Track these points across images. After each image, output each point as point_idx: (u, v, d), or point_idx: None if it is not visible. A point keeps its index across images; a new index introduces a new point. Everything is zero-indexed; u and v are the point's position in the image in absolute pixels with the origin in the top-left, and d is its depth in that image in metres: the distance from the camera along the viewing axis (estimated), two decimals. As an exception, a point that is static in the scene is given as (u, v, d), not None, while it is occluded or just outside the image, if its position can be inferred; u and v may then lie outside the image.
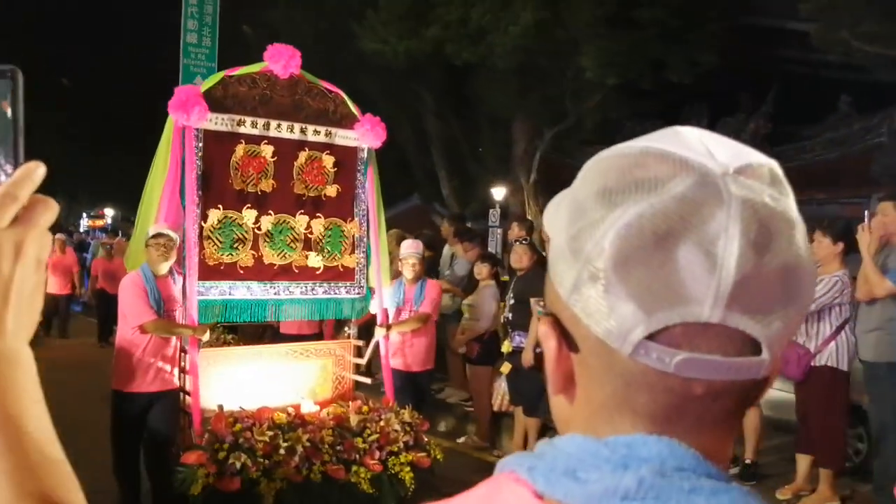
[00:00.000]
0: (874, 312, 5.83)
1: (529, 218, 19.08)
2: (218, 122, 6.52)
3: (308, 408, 6.49)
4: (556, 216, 0.84)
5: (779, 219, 0.74)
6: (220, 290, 6.55)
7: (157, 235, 6.18)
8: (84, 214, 41.22)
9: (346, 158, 7.04)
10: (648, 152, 0.77)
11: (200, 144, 6.45)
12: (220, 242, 6.57)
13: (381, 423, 6.40)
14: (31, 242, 0.82)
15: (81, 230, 37.33)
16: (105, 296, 14.65)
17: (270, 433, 5.98)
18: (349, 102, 7.03)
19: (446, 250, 11.54)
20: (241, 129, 6.62)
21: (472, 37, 18.81)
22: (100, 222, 39.42)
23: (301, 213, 6.87)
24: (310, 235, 6.90)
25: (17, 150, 0.84)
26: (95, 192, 35.85)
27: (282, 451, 5.89)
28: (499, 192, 20.68)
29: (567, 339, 0.81)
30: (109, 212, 39.20)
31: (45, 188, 0.86)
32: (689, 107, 21.41)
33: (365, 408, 6.52)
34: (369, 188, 7.16)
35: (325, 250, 6.98)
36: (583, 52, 18.82)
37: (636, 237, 0.72)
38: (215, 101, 6.43)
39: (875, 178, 18.93)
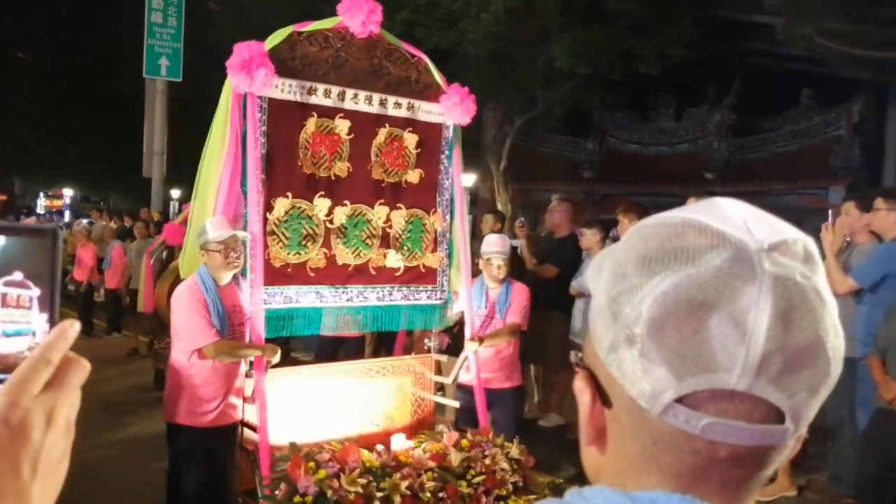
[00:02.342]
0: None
1: (499, 206, 17.79)
2: (285, 90, 4.80)
3: (400, 444, 4.85)
4: (599, 276, 0.80)
5: (808, 296, 0.72)
6: (285, 297, 4.86)
7: (229, 238, 4.49)
8: (41, 194, 37.80)
9: (429, 137, 5.38)
10: (689, 224, 0.75)
11: (264, 117, 4.74)
12: (287, 239, 4.87)
13: (487, 461, 4.80)
14: (62, 407, 0.73)
15: (39, 211, 34.12)
16: (75, 285, 13.25)
17: (363, 481, 4.35)
18: (434, 70, 5.37)
19: None
20: (313, 99, 4.91)
21: (443, 21, 17.48)
22: (58, 202, 36.16)
23: (380, 204, 5.20)
24: (388, 230, 5.24)
25: (54, 304, 0.78)
26: (53, 171, 32.89)
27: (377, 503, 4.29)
28: (469, 179, 19.19)
29: (601, 395, 0.79)
30: (68, 192, 35.97)
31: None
32: (656, 97, 20.29)
33: (465, 441, 4.90)
34: (454, 174, 5.50)
35: (406, 247, 5.32)
36: (554, 41, 17.73)
37: (672, 305, 0.71)
38: (281, 64, 4.72)
39: (833, 170, 18.24)
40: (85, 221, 18.28)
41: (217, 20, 21.15)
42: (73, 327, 0.74)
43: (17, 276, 0.78)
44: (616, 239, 6.91)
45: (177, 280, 8.48)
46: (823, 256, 5.47)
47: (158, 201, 17.78)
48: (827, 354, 0.73)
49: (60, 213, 33.79)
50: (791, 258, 0.73)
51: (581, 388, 0.81)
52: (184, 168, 24.14)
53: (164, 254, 9.11)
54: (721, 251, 0.72)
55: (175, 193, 24.39)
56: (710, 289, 0.70)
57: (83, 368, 0.74)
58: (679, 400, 0.71)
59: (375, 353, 7.83)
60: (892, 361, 4.60)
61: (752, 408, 0.71)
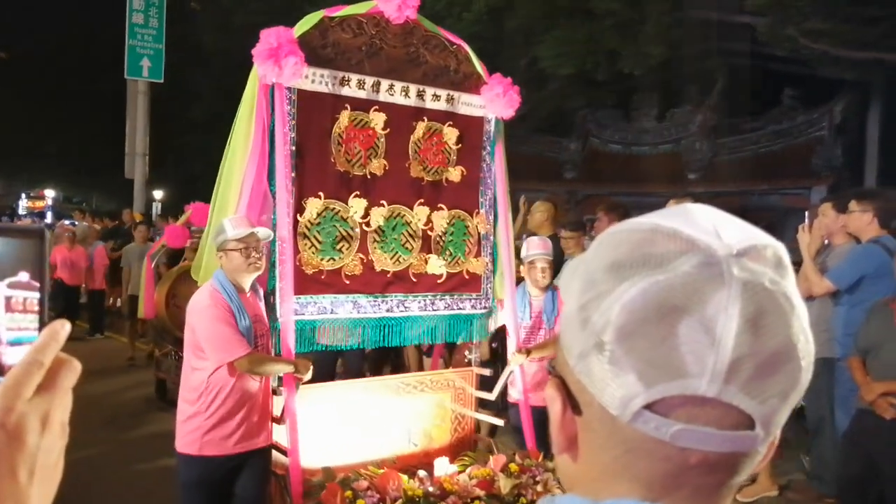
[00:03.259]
0: (812, 310, 4.91)
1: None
2: (316, 80, 4.23)
3: (444, 469, 4.28)
4: (571, 282, 0.77)
5: (778, 301, 0.69)
6: (319, 308, 4.28)
7: (248, 235, 3.81)
8: (23, 195, 36.28)
9: (470, 132, 4.81)
10: (658, 229, 0.73)
11: (294, 109, 4.15)
12: (320, 243, 4.29)
13: (538, 488, 4.25)
14: (56, 409, 0.71)
15: (20, 212, 32.73)
16: (61, 286, 11.83)
17: (405, 511, 3.80)
18: (474, 58, 4.80)
19: None
20: (346, 91, 4.32)
21: (428, 15, 16.97)
22: (40, 203, 34.76)
23: (420, 204, 4.62)
24: (429, 233, 4.67)
25: (43, 306, 0.73)
26: (34, 172, 31.59)
27: (421, 536, 3.77)
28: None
29: (572, 403, 0.76)
30: (50, 193, 34.59)
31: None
32: (638, 98, 19.87)
33: (513, 466, 4.34)
34: (497, 171, 4.94)
35: (448, 252, 4.74)
36: (538, 41, 17.32)
37: (641, 311, 0.69)
38: (311, 52, 4.14)
39: (816, 170, 17.94)
40: (67, 222, 17.37)
41: (199, 20, 20.43)
42: (63, 328, 0.71)
43: (23, 276, 0.73)
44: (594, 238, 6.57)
45: (175, 285, 7.96)
46: (801, 259, 5.45)
47: (141, 202, 17.01)
48: (797, 360, 0.70)
49: (42, 214, 32.47)
50: (761, 264, 0.71)
51: (552, 396, 0.79)
52: (167, 168, 23.40)
53: (165, 258, 8.42)
54: (690, 257, 0.70)
55: (158, 194, 23.56)
56: (678, 294, 0.68)
57: (74, 369, 0.72)
58: (649, 406, 0.69)
59: (377, 369, 7.23)
60: (872, 362, 4.46)
61: (722, 414, 0.69)
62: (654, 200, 16.81)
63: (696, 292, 0.68)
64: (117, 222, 16.38)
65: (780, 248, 0.73)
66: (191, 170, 24.98)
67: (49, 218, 29.73)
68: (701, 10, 18.30)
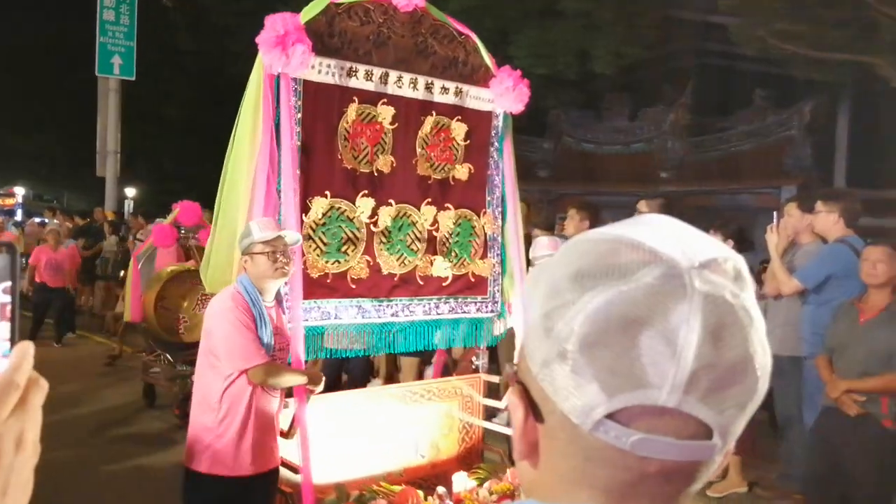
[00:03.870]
0: (780, 308, 5.49)
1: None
2: (322, 71, 3.90)
3: (462, 484, 3.98)
4: (535, 291, 0.76)
5: (737, 314, 0.70)
6: (323, 313, 3.97)
7: (276, 238, 3.47)
8: None
9: (478, 127, 4.52)
10: (622, 240, 0.72)
11: (300, 102, 3.82)
12: (325, 244, 3.97)
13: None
14: (29, 429, 0.71)
15: None
16: (45, 290, 11.09)
17: (425, 531, 3.49)
18: (483, 50, 4.51)
19: None
20: (353, 82, 4.01)
21: (401, 15, 16.66)
22: (10, 201, 33.52)
23: (427, 203, 4.33)
24: (435, 233, 4.37)
25: (14, 325, 0.72)
26: (4, 170, 30.43)
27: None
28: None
29: (534, 410, 0.76)
30: (20, 190, 33.39)
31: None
32: (611, 97, 19.68)
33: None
34: (506, 168, 4.65)
35: (453, 253, 4.44)
36: (511, 41, 17.11)
37: (604, 322, 0.69)
38: (318, 40, 3.83)
39: (786, 170, 17.89)
40: (38, 220, 16.74)
41: (172, 17, 19.89)
42: (31, 347, 0.71)
43: (7, 284, 0.72)
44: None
45: (165, 286, 7.57)
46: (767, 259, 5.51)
47: (113, 201, 16.47)
48: (755, 372, 0.71)
49: (12, 212, 31.33)
50: (721, 276, 0.70)
51: (514, 404, 0.78)
52: (139, 166, 22.77)
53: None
54: (653, 268, 0.69)
55: (130, 192, 22.92)
56: (641, 306, 0.68)
57: (43, 388, 0.72)
58: (610, 416, 0.69)
59: (389, 379, 6.91)
60: (838, 360, 4.49)
61: (681, 424, 0.69)
62: (626, 199, 16.62)
63: (659, 304, 0.68)
64: (88, 220, 15.82)
65: (740, 262, 0.73)
66: (163, 168, 24.40)
67: (19, 216, 28.75)
68: (673, 10, 18.20)
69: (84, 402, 7.88)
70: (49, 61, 22.70)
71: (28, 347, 0.70)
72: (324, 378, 3.65)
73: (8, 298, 0.72)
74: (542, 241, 5.00)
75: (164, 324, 7.49)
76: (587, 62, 17.55)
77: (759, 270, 9.48)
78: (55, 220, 16.26)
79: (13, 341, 0.71)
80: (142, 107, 18.77)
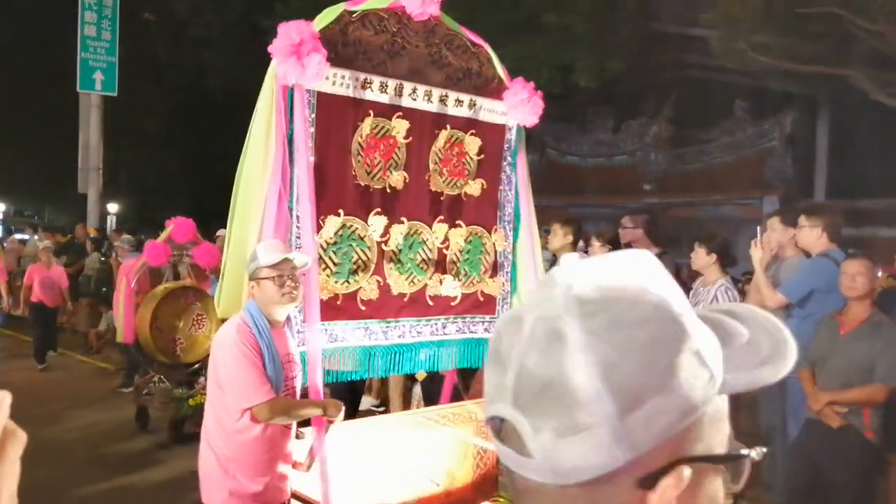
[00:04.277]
0: None
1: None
2: (337, 82, 3.68)
3: (485, 513, 3.76)
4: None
5: (555, 335, 0.70)
6: (329, 335, 3.73)
7: (283, 262, 3.25)
8: None
9: (491, 141, 4.32)
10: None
11: (314, 115, 3.59)
12: (336, 265, 3.73)
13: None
14: (5, 482, 0.68)
15: None
16: (42, 310, 10.55)
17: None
18: (496, 61, 4.31)
19: None
20: (367, 94, 3.79)
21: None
22: None
23: (439, 221, 4.11)
24: (445, 251, 4.15)
25: None
26: None
27: None
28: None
29: None
30: (0, 206, 32.62)
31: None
32: (594, 110, 19.63)
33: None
34: (520, 184, 4.45)
35: (463, 271, 4.23)
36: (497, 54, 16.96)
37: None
38: (332, 50, 3.60)
39: (767, 181, 17.94)
40: (18, 237, 16.27)
41: (152, 31, 19.56)
42: (6, 399, 0.69)
43: None
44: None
45: (160, 306, 7.26)
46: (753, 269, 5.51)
47: (95, 217, 16.11)
48: (565, 395, 0.69)
49: None
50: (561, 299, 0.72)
51: None
52: (120, 182, 22.34)
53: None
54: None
55: (112, 208, 22.44)
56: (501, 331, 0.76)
57: (20, 440, 0.70)
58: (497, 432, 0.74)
59: (379, 394, 6.67)
60: (820, 373, 4.53)
61: (517, 438, 0.71)
62: (610, 211, 16.56)
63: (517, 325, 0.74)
64: (70, 237, 15.42)
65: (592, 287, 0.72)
66: (145, 183, 23.95)
67: (-1, 232, 28.11)
68: (655, 24, 18.18)
69: (71, 424, 7.56)
70: (28, 75, 22.24)
71: (3, 398, 0.68)
72: (342, 406, 3.42)
73: None
74: (572, 259, 4.78)
75: (159, 345, 7.19)
76: (570, 76, 17.47)
77: (743, 282, 9.38)
78: (36, 237, 15.84)
79: None
80: (122, 121, 18.42)
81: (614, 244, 6.07)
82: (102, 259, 12.80)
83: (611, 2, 16.88)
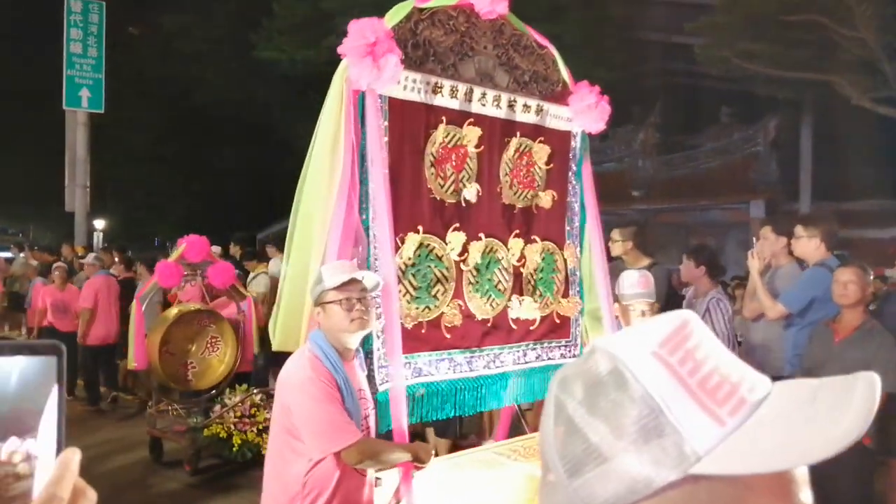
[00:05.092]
0: (758, 329, 5.44)
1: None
2: (408, 87, 3.27)
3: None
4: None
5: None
6: (413, 369, 3.30)
7: (350, 283, 2.82)
8: None
9: (558, 149, 3.93)
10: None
11: (386, 123, 3.17)
12: (415, 288, 3.31)
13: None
14: None
15: None
16: (54, 335, 9.12)
17: None
18: (560, 64, 3.93)
19: None
20: (438, 100, 3.38)
21: (372, 47, 16.08)
22: None
23: (514, 236, 3.70)
24: (521, 270, 3.74)
25: (61, 431, 0.67)
26: None
27: None
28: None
29: None
30: None
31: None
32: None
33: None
34: (587, 194, 4.06)
35: (538, 291, 3.83)
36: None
37: None
38: (403, 51, 3.17)
39: (753, 185, 17.83)
40: (2, 255, 15.52)
41: (138, 46, 18.98)
42: (76, 456, 0.67)
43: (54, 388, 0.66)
44: None
45: (170, 330, 6.77)
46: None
47: (83, 236, 15.46)
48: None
49: None
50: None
51: None
52: (107, 198, 21.64)
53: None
54: None
55: (99, 224, 21.70)
56: None
57: (90, 499, 0.68)
58: None
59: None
60: None
61: None
62: (602, 218, 16.31)
63: None
64: (57, 256, 14.76)
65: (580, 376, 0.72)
66: (132, 199, 23.28)
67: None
68: (640, 32, 17.99)
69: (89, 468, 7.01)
70: (13, 92, 21.51)
71: (72, 457, 0.67)
72: (432, 451, 3.01)
73: (55, 404, 0.67)
74: (632, 277, 4.39)
75: (169, 370, 6.71)
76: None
77: (732, 287, 9.13)
78: (22, 255, 15.13)
79: (59, 449, 0.67)
80: (108, 136, 17.82)
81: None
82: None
83: (598, 12, 16.68)
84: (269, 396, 7.06)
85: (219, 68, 16.93)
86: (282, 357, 3.07)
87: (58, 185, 15.73)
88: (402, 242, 3.23)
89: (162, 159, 20.91)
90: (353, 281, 2.80)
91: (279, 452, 2.85)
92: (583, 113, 3.91)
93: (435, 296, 3.37)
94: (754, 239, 5.80)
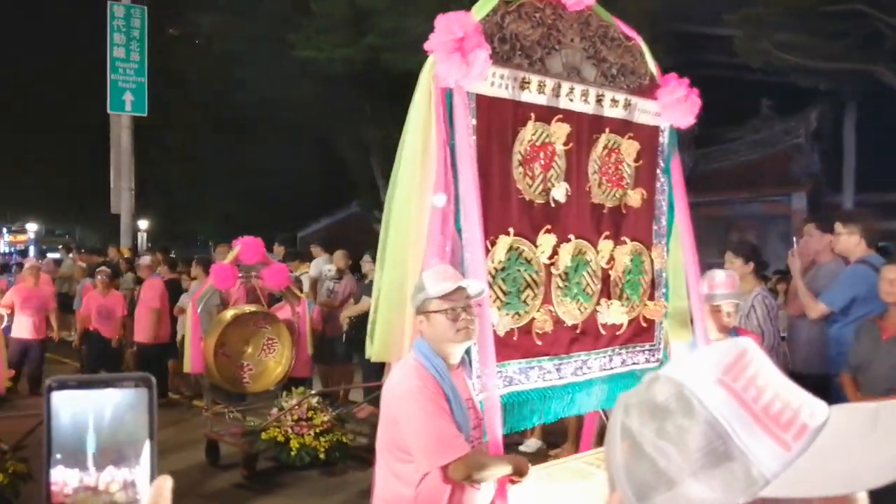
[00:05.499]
0: (802, 327, 5.34)
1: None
2: (495, 83, 3.05)
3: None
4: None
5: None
6: (504, 378, 3.09)
7: (455, 291, 2.61)
8: (4, 230, 32.64)
9: (647, 145, 3.70)
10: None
11: (474, 122, 2.96)
12: (505, 294, 3.10)
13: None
14: None
15: (2, 249, 29.71)
16: (98, 340, 9.19)
17: None
18: (648, 55, 3.70)
19: None
20: (525, 96, 3.16)
21: (410, 46, 15.87)
22: (22, 237, 31.70)
23: (604, 238, 3.48)
24: (609, 272, 3.52)
25: (153, 458, 0.70)
26: (15, 206, 28.76)
27: None
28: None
29: None
30: (31, 226, 31.48)
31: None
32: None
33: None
34: (676, 192, 3.84)
35: (625, 294, 3.60)
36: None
37: None
38: (490, 45, 2.95)
39: (794, 177, 17.41)
40: (51, 256, 15.58)
41: (178, 46, 18.98)
42: (168, 483, 0.69)
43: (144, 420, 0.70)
44: None
45: (225, 332, 6.65)
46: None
47: (128, 237, 15.48)
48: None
49: (25, 251, 29.59)
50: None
51: None
52: (149, 197, 21.71)
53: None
54: None
55: (143, 224, 21.79)
56: None
57: None
58: None
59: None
60: (862, 378, 4.36)
61: None
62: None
63: None
64: (104, 258, 14.77)
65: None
66: (174, 199, 23.33)
67: (32, 252, 27.24)
68: (679, 25, 17.61)
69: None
70: (56, 94, 21.66)
71: (164, 484, 0.68)
72: (529, 464, 2.80)
73: (146, 434, 0.68)
74: (718, 277, 4.16)
75: (225, 373, 6.57)
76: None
77: (773, 281, 8.84)
78: (70, 257, 15.17)
79: (152, 476, 0.69)
80: (149, 136, 17.85)
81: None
82: (136, 279, 12.11)
83: (635, 4, 16.33)
84: (325, 398, 6.92)
85: (258, 68, 16.82)
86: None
87: (101, 185, 15.75)
88: (493, 245, 3.03)
89: (202, 158, 20.92)
90: (458, 289, 2.61)
91: (389, 465, 2.66)
92: (672, 107, 3.70)
93: (525, 301, 3.17)
94: (794, 238, 5.73)
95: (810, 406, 0.71)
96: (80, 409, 0.68)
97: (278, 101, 17.10)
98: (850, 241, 5.03)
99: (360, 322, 8.34)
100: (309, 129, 18.60)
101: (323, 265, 8.89)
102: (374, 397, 8.09)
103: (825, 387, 4.95)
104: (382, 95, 17.48)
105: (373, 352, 2.97)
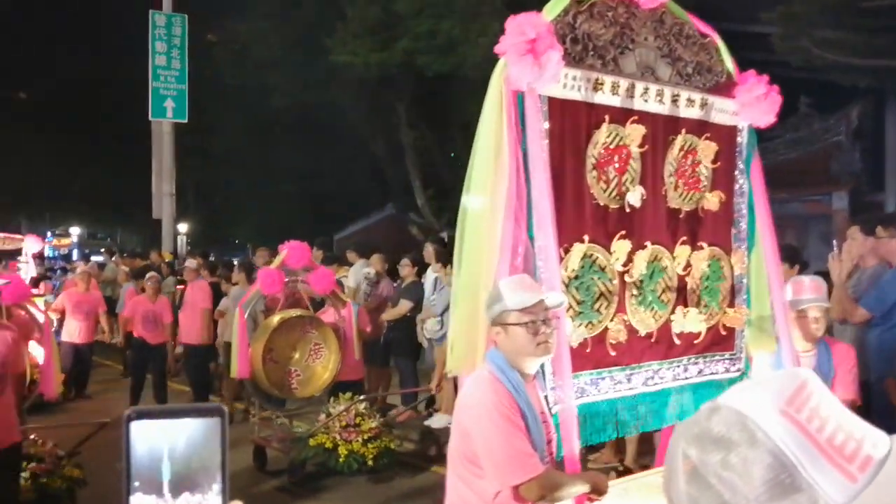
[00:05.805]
0: (846, 332, 5.17)
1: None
2: (568, 85, 2.88)
3: None
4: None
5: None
6: (577, 388, 2.90)
7: (534, 305, 2.44)
8: (48, 234, 32.99)
9: (724, 146, 3.50)
10: None
11: (546, 125, 2.78)
12: (579, 303, 2.93)
13: None
14: None
15: (46, 253, 30.05)
16: (145, 348, 8.69)
17: None
18: (725, 53, 3.51)
19: (429, 274, 8.08)
20: (598, 97, 2.99)
21: (443, 48, 15.75)
22: (65, 241, 31.99)
23: (681, 244, 3.29)
24: (686, 279, 3.33)
25: (225, 485, 0.70)
26: (58, 210, 29.03)
27: None
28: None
29: None
30: (74, 230, 31.80)
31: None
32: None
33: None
34: (756, 194, 3.65)
35: (703, 301, 3.40)
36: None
37: None
38: (562, 46, 2.78)
39: (835, 176, 16.90)
40: (95, 260, 15.65)
41: (216, 53, 19.04)
42: None
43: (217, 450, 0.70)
44: None
45: (273, 337, 6.53)
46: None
47: (169, 242, 15.53)
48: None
49: (69, 255, 29.89)
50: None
51: None
52: (189, 202, 21.84)
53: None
54: None
55: (182, 228, 21.89)
56: None
57: None
58: None
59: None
60: None
61: None
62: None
63: None
64: (146, 262, 14.77)
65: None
66: (212, 203, 23.43)
67: (75, 256, 27.49)
68: (714, 22, 17.29)
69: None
70: (100, 103, 21.87)
71: None
72: (608, 482, 2.62)
73: (219, 461, 0.69)
74: (803, 282, 3.93)
75: (273, 378, 6.46)
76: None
77: None
78: (113, 261, 15.21)
79: (224, 502, 0.70)
80: (188, 140, 17.93)
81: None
82: (178, 283, 12.07)
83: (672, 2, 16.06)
84: (373, 404, 6.78)
85: (295, 73, 16.83)
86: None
87: (141, 189, 15.84)
88: (567, 253, 2.86)
89: (240, 162, 21.00)
90: (538, 301, 2.44)
91: (460, 477, 2.51)
92: (750, 105, 3.51)
93: (598, 310, 2.99)
94: (835, 241, 5.59)
95: (872, 437, 0.70)
96: (156, 438, 0.69)
97: (313, 105, 17.08)
98: (891, 244, 4.98)
99: (397, 325, 8.22)
100: (344, 132, 18.56)
101: (361, 269, 8.77)
102: (412, 403, 7.96)
103: (865, 389, 4.78)
104: (417, 97, 17.44)
105: (451, 364, 2.81)
